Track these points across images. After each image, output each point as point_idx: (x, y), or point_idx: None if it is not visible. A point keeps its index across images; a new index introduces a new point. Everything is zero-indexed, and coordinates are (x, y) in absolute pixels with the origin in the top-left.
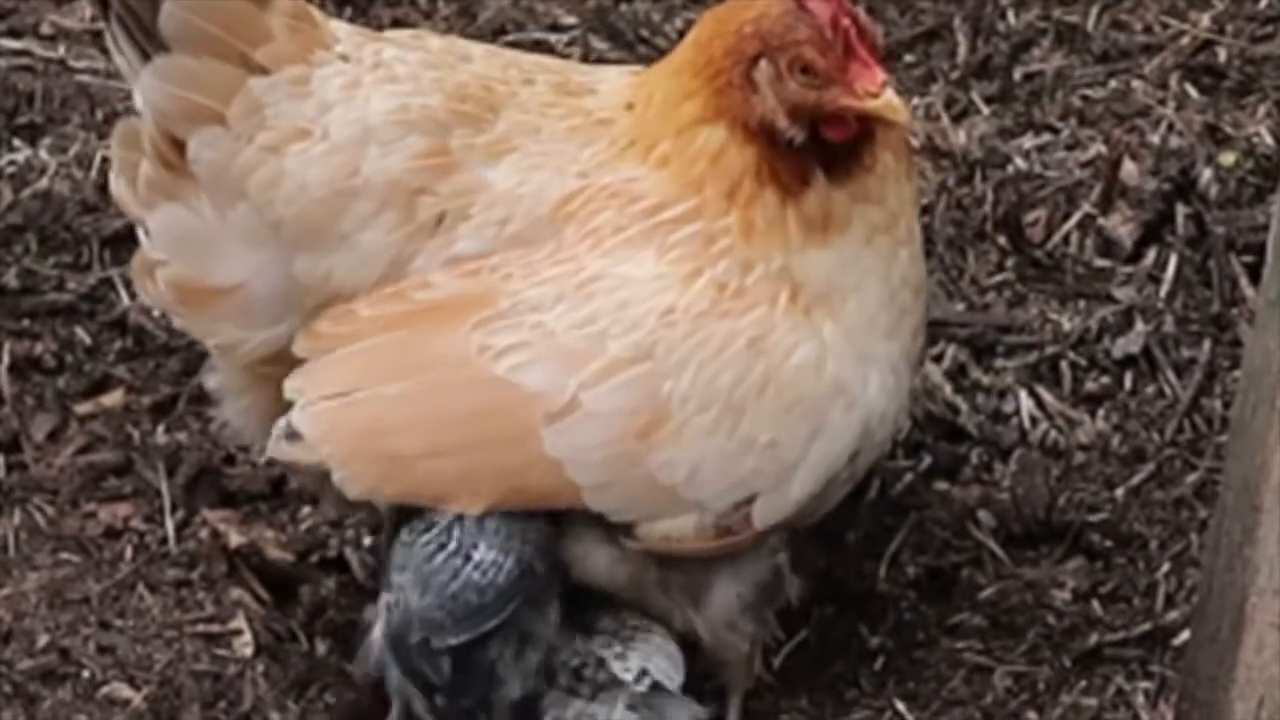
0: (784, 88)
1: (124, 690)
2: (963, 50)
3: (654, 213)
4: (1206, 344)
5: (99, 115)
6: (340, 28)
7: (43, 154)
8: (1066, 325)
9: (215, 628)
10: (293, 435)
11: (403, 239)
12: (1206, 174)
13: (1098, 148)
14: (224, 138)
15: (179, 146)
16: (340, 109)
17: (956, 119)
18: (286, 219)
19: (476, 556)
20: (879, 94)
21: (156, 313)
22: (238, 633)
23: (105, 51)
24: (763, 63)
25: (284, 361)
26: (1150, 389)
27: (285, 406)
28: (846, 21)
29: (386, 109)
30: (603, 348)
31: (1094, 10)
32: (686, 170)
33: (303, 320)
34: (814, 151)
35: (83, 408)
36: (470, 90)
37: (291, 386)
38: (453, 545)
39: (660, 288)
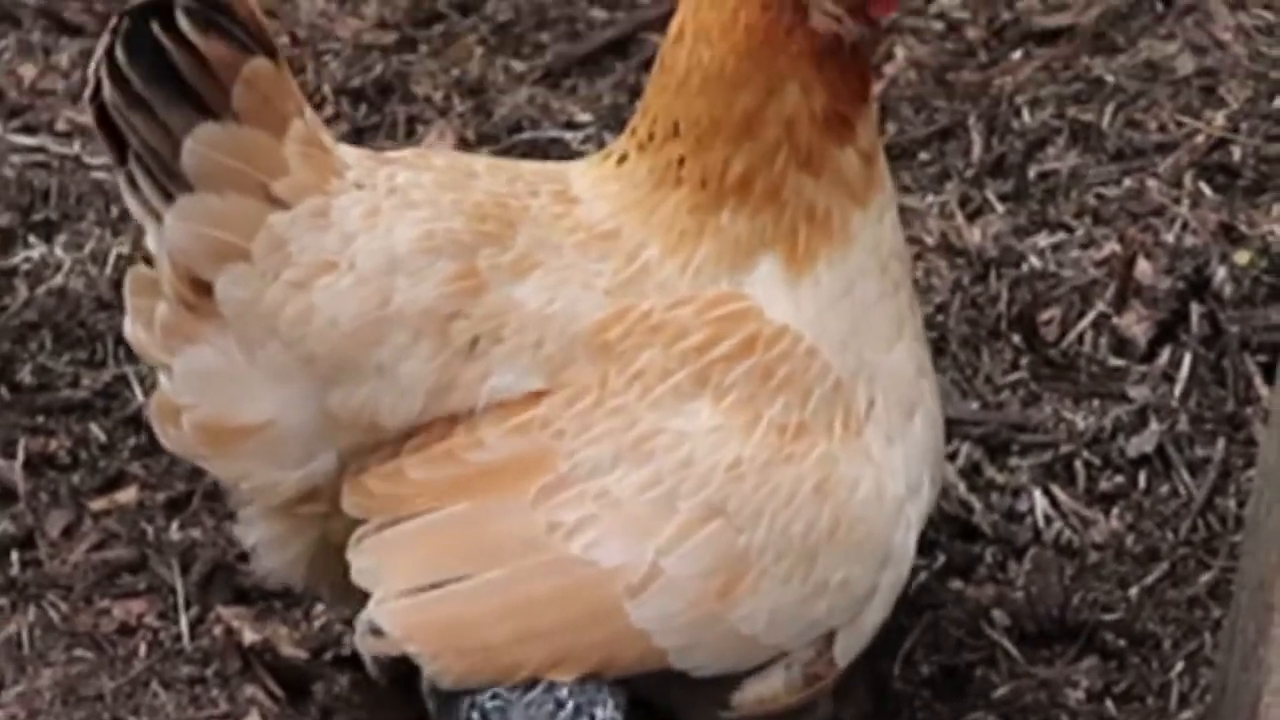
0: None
1: None
2: (977, 148)
3: (703, 351)
4: (1221, 443)
5: (114, 212)
6: (348, 153)
7: (58, 251)
8: (1081, 424)
9: None
10: (377, 632)
11: (439, 367)
12: (1221, 273)
13: (1112, 246)
14: (250, 275)
15: (201, 287)
16: (364, 239)
17: (971, 217)
18: (319, 355)
19: (601, 716)
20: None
21: None
22: None
23: None
24: None
25: (320, 500)
26: (1164, 488)
27: (328, 546)
28: None
29: (412, 236)
30: (673, 509)
31: (1108, 109)
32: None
33: (339, 457)
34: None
35: (97, 504)
36: (487, 209)
37: (361, 568)
38: (570, 707)
39: (721, 440)
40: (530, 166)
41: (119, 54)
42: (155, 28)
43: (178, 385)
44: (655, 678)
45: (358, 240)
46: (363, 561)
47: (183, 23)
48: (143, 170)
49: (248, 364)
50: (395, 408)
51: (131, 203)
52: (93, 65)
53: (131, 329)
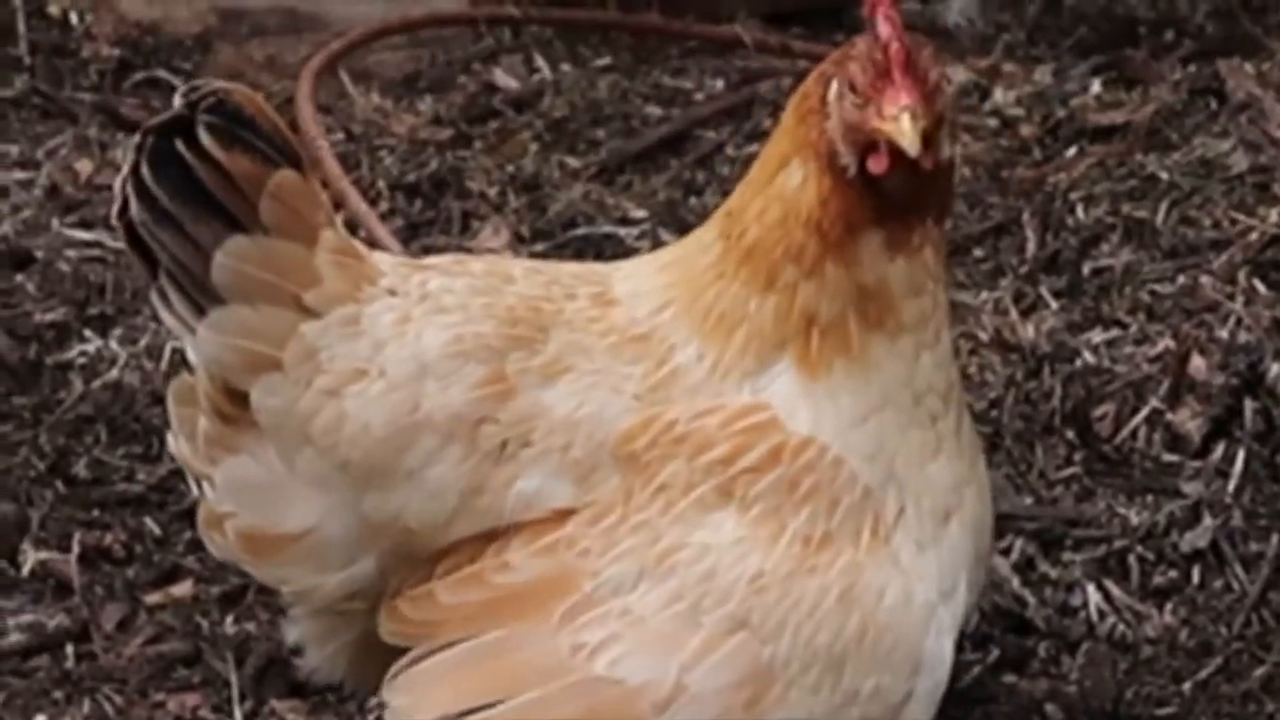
0: (841, 106)
1: None
2: (1031, 245)
3: (728, 464)
4: (1274, 538)
5: None
6: (383, 260)
7: (113, 345)
8: (1134, 519)
9: None
10: None
11: (469, 471)
12: (1275, 369)
13: (1166, 343)
14: (284, 384)
15: (237, 398)
16: (394, 346)
17: (1025, 313)
18: (353, 461)
19: None
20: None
21: None
22: None
23: None
24: (833, 83)
25: (363, 598)
26: (1218, 583)
27: (372, 642)
28: (897, 45)
29: (441, 342)
30: (696, 624)
31: (1162, 206)
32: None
33: (378, 561)
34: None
35: (152, 598)
36: (519, 313)
37: (396, 706)
38: None
39: (743, 553)
40: (573, 269)
41: (144, 171)
42: (179, 145)
43: (220, 495)
44: None
45: (388, 347)
46: (397, 699)
47: (205, 139)
48: (174, 285)
49: (288, 473)
50: (425, 512)
51: (165, 316)
52: (118, 183)
53: (175, 441)
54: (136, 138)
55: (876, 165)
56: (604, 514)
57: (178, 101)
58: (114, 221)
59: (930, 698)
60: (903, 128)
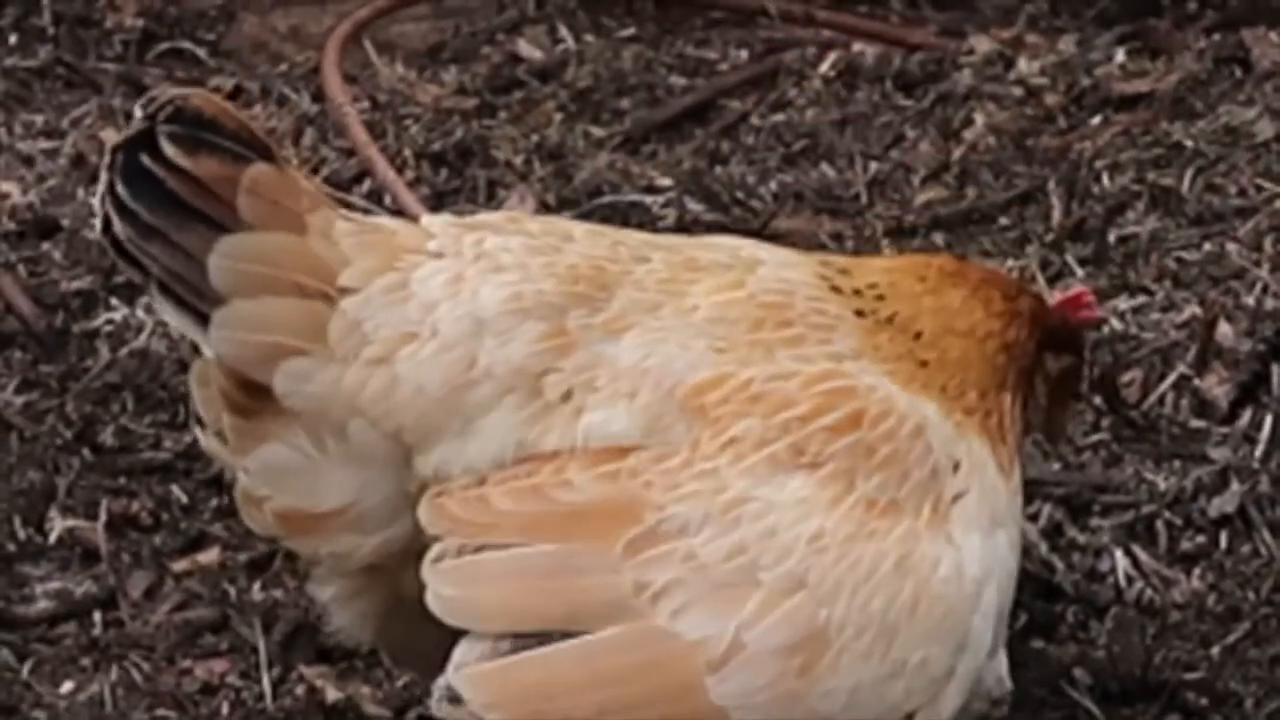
0: (1048, 382)
1: None
2: (1057, 213)
3: (806, 421)
4: None
5: None
6: (434, 223)
7: (140, 313)
8: (1162, 485)
9: None
10: (455, 699)
11: (532, 417)
12: None
13: (1193, 309)
14: (316, 366)
15: (253, 389)
16: (446, 305)
17: (1051, 281)
18: (406, 425)
19: None
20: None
21: None
22: None
23: None
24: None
25: (395, 558)
26: (1246, 548)
27: (400, 602)
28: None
29: (499, 299)
30: (756, 581)
31: (1188, 174)
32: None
33: (416, 520)
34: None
35: (179, 565)
36: (582, 271)
37: (440, 594)
38: None
39: (805, 512)
40: (640, 235)
41: (120, 189)
42: (146, 160)
43: (254, 481)
44: None
45: (440, 308)
46: (443, 588)
47: (169, 150)
48: (168, 294)
49: (320, 454)
50: (486, 452)
51: (170, 320)
52: (97, 202)
53: (203, 437)
54: (106, 157)
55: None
56: (667, 455)
57: (137, 115)
58: (99, 238)
59: (969, 679)
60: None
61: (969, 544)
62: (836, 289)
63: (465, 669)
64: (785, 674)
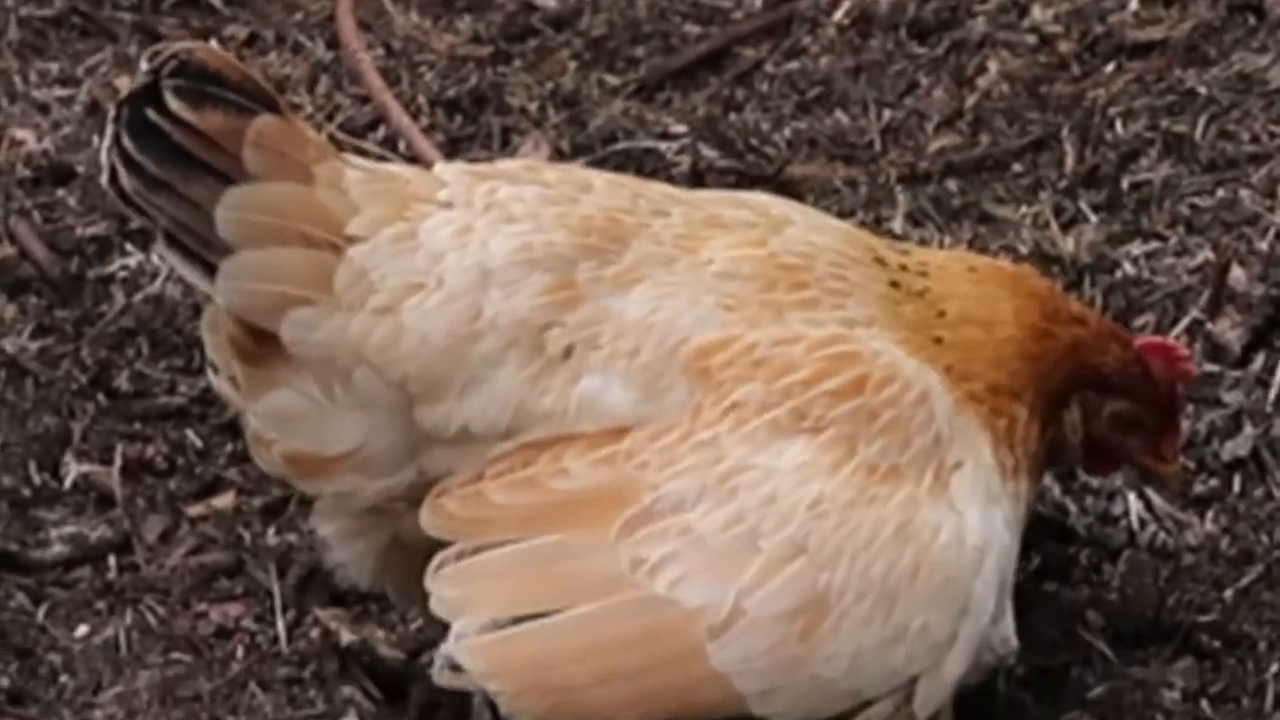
0: (1096, 422)
1: None
2: (1071, 160)
3: (809, 385)
4: None
5: None
6: (446, 171)
7: (155, 258)
8: None
9: None
10: (456, 667)
11: (532, 377)
12: None
13: (1205, 255)
14: (323, 315)
15: (262, 337)
16: (454, 256)
17: (1065, 227)
18: (411, 374)
19: None
20: (1172, 463)
21: None
22: None
23: None
24: (1090, 394)
25: (404, 499)
26: (1259, 491)
27: (400, 546)
28: (1182, 389)
29: (507, 249)
30: (756, 548)
31: (1201, 120)
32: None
33: (421, 469)
34: None
35: (194, 509)
36: (596, 223)
37: (442, 597)
38: None
39: (805, 477)
40: (662, 189)
41: (127, 142)
42: (152, 114)
43: (263, 425)
44: None
45: (447, 258)
46: (444, 591)
47: (174, 104)
48: (176, 244)
49: (328, 400)
50: (485, 416)
51: (179, 270)
52: (103, 154)
53: (214, 379)
54: (111, 110)
55: (1103, 469)
56: (664, 431)
57: (143, 68)
58: (106, 187)
59: (972, 644)
60: (1176, 474)
61: (969, 512)
62: (881, 261)
63: (465, 640)
64: (786, 639)
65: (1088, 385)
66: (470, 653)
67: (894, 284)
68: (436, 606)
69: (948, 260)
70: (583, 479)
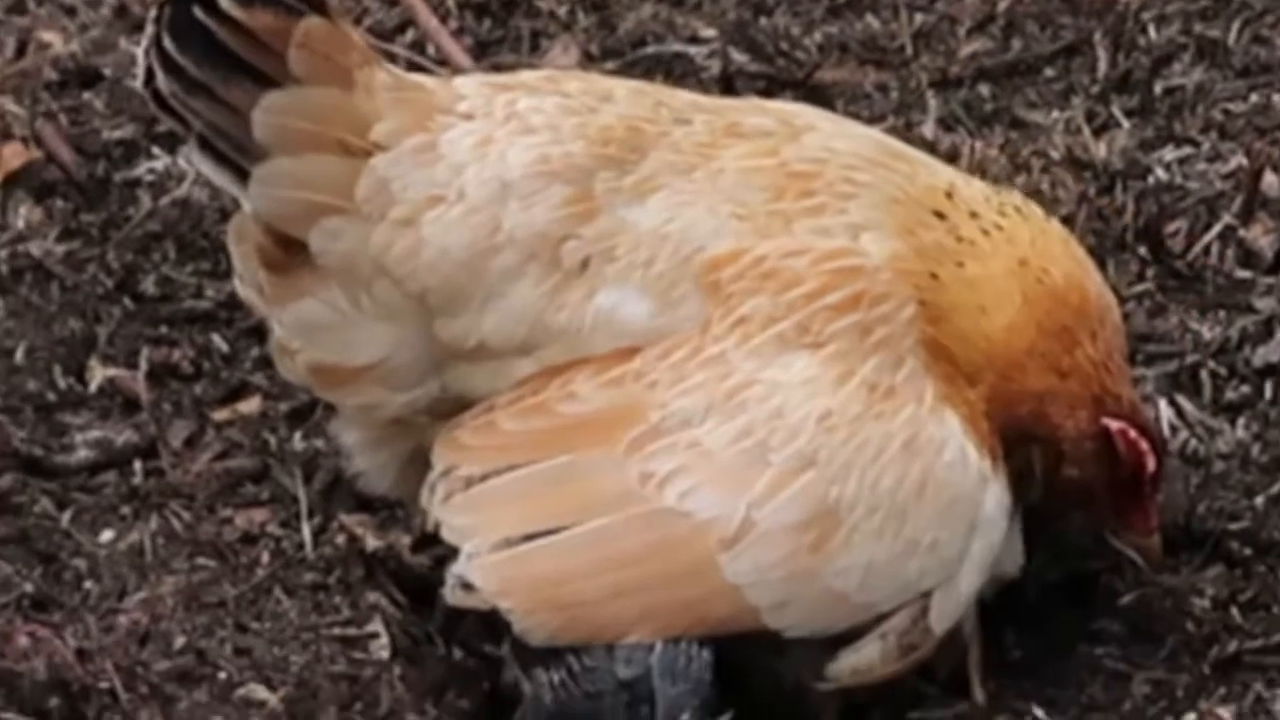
0: (1053, 477)
1: (261, 692)
2: (1103, 65)
3: (810, 300)
4: None
5: None
6: (466, 84)
7: (181, 162)
8: (1207, 335)
9: (352, 631)
10: (468, 586)
11: (549, 291)
12: None
13: (1238, 160)
14: (350, 224)
15: (293, 245)
16: (474, 168)
17: (1097, 132)
18: (431, 287)
19: (693, 673)
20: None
21: None
22: (375, 636)
23: None
24: (1066, 447)
25: (428, 412)
26: None
27: (423, 457)
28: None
29: (525, 161)
30: (765, 461)
31: (1235, 25)
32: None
33: (443, 383)
34: None
35: (220, 414)
36: (615, 133)
37: (452, 525)
38: (659, 668)
39: (812, 392)
40: (688, 97)
41: (168, 43)
42: (198, 11)
43: (288, 334)
44: (748, 643)
45: (468, 170)
46: (455, 519)
47: (224, 1)
48: (208, 148)
49: (354, 310)
50: (503, 331)
51: (210, 175)
52: (141, 56)
53: (240, 286)
54: (153, 10)
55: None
56: (674, 349)
57: None
58: (140, 88)
59: (984, 560)
60: (1154, 549)
61: (969, 438)
62: (950, 194)
63: (476, 559)
64: (798, 551)
65: (1042, 439)
66: (481, 571)
67: (940, 214)
68: (447, 534)
69: (1028, 232)
70: (592, 401)
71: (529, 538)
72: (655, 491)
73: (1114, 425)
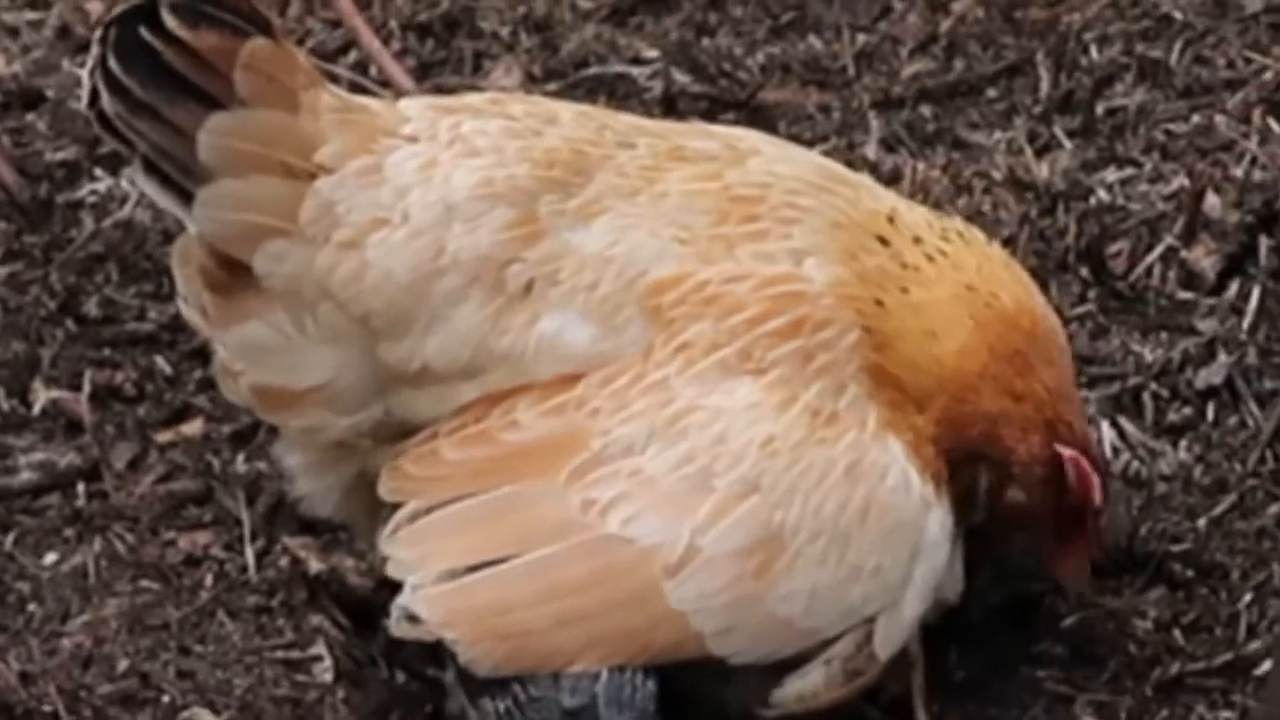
0: (997, 501)
1: (204, 715)
2: (1045, 85)
3: (752, 326)
4: None
5: None
6: (411, 106)
7: (124, 183)
8: (1149, 356)
9: (295, 654)
10: (413, 618)
11: (494, 314)
12: None
13: (1180, 181)
14: (294, 247)
15: (237, 268)
16: (418, 191)
17: (1039, 153)
18: (375, 310)
19: (637, 703)
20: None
21: None
22: (318, 659)
23: None
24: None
25: (371, 436)
26: (1233, 420)
27: (366, 480)
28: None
29: (470, 184)
30: (708, 487)
31: (1176, 46)
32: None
33: (387, 407)
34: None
35: (163, 436)
36: (560, 155)
37: (397, 559)
38: (605, 696)
39: (755, 417)
40: (632, 120)
41: (113, 64)
42: (144, 32)
43: (232, 356)
44: (693, 671)
45: (412, 193)
46: (399, 553)
47: (170, 22)
48: (153, 170)
49: (298, 333)
50: (446, 354)
51: (155, 197)
52: (86, 76)
53: (184, 308)
54: (99, 31)
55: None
56: (616, 375)
57: None
58: (85, 109)
59: (927, 585)
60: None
61: (911, 464)
62: (892, 220)
63: (421, 590)
64: (742, 577)
65: (992, 460)
66: (426, 603)
67: (883, 240)
68: (392, 569)
69: (972, 257)
70: (534, 429)
71: (473, 569)
72: (598, 519)
73: (1067, 453)
